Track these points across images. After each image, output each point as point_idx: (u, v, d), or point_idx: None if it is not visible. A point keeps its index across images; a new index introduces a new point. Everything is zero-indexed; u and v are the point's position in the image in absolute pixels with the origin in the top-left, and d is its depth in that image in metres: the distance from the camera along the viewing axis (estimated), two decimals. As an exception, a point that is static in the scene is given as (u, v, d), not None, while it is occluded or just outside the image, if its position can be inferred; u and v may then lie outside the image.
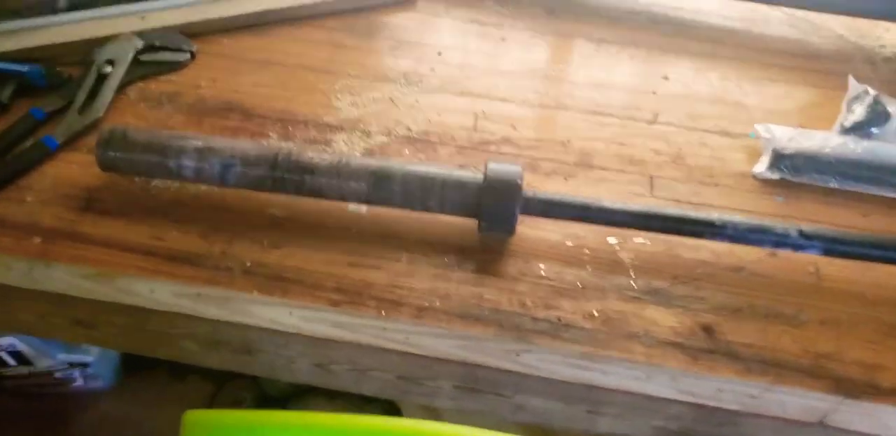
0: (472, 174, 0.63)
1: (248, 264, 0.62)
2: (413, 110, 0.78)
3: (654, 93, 0.82)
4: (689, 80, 0.84)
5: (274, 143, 0.72)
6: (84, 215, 0.64)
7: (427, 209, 0.64)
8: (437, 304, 0.60)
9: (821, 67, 0.91)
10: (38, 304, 0.62)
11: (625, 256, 0.65)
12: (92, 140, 0.68)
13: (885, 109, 0.78)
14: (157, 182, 0.67)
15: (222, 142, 0.63)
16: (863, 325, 0.62)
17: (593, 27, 0.90)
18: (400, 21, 0.89)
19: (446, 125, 0.77)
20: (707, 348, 0.59)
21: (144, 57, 0.74)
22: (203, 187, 0.66)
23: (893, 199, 0.72)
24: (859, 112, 0.80)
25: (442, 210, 0.64)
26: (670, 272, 0.64)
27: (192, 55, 0.77)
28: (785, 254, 0.65)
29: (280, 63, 0.81)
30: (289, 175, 0.62)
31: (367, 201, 0.64)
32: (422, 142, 0.75)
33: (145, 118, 0.72)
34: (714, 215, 0.63)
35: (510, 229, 0.63)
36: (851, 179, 0.73)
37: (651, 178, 0.73)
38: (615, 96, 0.82)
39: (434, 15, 0.90)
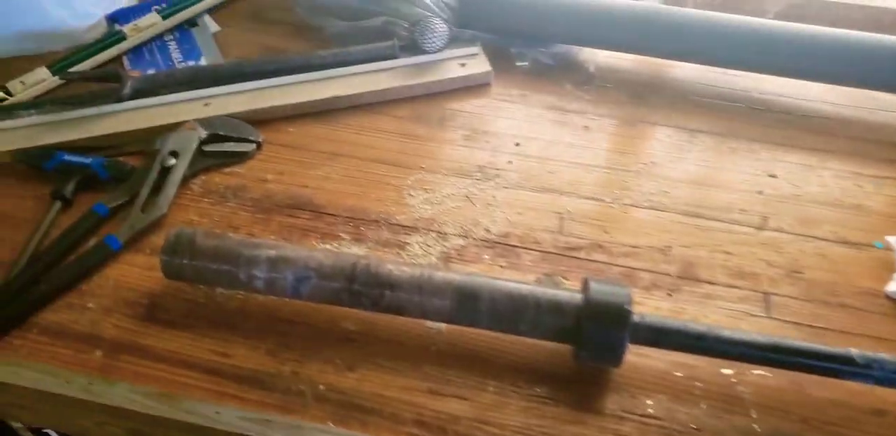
0: (570, 294, 0.56)
1: (322, 388, 0.55)
2: (491, 208, 0.71)
3: (760, 193, 0.72)
4: (799, 179, 0.74)
5: (346, 247, 0.65)
6: (147, 326, 0.58)
7: (517, 333, 0.57)
8: None
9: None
10: (95, 413, 0.56)
11: (743, 390, 0.57)
12: (156, 239, 0.63)
13: None
14: (222, 289, 0.60)
15: (296, 251, 0.57)
16: None
17: (686, 116, 0.80)
18: (473, 108, 0.83)
19: (528, 226, 0.69)
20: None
21: (209, 147, 0.69)
22: (272, 297, 0.60)
23: None
24: None
25: (534, 335, 0.57)
26: (798, 414, 0.55)
27: (258, 145, 0.71)
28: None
29: (349, 154, 0.75)
30: (367, 289, 0.56)
31: (450, 321, 0.57)
32: (502, 246, 0.68)
33: (209, 215, 0.67)
34: (854, 352, 0.53)
35: (616, 361, 0.55)
36: None
37: (765, 295, 0.63)
38: (717, 196, 0.72)
39: (509, 101, 0.84)
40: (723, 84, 0.85)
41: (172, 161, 0.66)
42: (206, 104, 0.73)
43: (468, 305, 0.56)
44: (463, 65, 0.82)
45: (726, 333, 0.55)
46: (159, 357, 0.56)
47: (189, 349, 0.56)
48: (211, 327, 0.58)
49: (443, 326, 0.60)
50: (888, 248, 0.67)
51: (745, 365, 0.57)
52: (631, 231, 0.69)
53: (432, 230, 0.69)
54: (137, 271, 0.62)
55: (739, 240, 0.68)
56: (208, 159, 0.69)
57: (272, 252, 0.56)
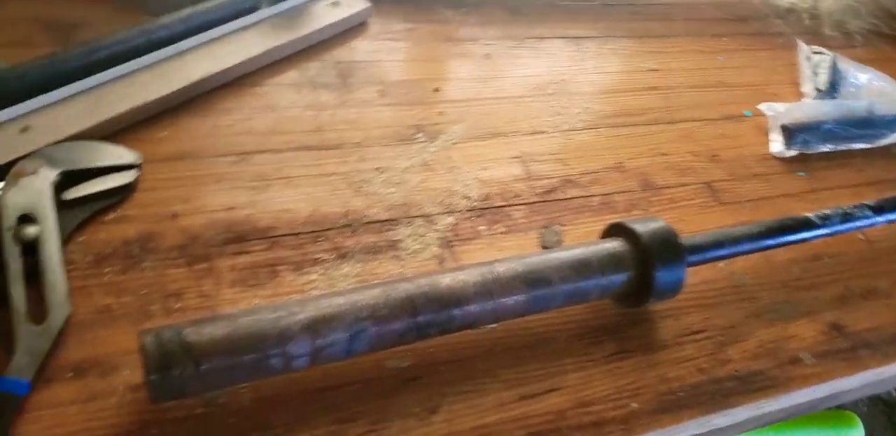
0: (614, 246, 0.49)
1: None
2: (456, 172, 0.59)
3: (653, 89, 0.75)
4: (673, 67, 0.78)
5: (335, 268, 0.49)
6: None
7: (587, 302, 0.48)
8: (635, 405, 0.47)
9: (752, 30, 0.92)
10: None
11: (741, 276, 0.59)
12: (71, 353, 0.39)
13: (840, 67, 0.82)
14: (220, 394, 0.40)
15: (328, 302, 0.39)
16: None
17: (563, 24, 0.79)
18: (366, 55, 0.66)
19: (501, 182, 0.60)
20: (848, 346, 0.55)
21: (70, 193, 0.44)
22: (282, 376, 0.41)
23: (869, 148, 0.75)
24: (824, 75, 0.82)
25: (602, 297, 0.49)
26: (779, 280, 0.59)
27: (138, 168, 0.48)
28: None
29: (257, 150, 0.55)
30: (434, 317, 0.42)
31: (524, 314, 0.46)
32: (490, 211, 0.57)
33: (128, 290, 0.43)
34: (810, 215, 0.58)
35: (677, 292, 0.51)
36: (841, 139, 0.75)
37: (707, 185, 0.66)
38: (628, 101, 0.72)
39: (398, 39, 0.69)
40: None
41: (32, 230, 0.41)
42: (23, 129, 0.46)
43: (542, 292, 0.45)
44: (336, 4, 0.63)
45: (736, 232, 0.54)
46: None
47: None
48: (236, 430, 0.38)
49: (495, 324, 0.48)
50: (757, 114, 0.76)
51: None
52: (584, 158, 0.65)
53: (413, 216, 0.54)
54: (76, 411, 0.38)
55: (663, 139, 0.69)
56: (77, 211, 0.44)
57: (302, 316, 0.38)
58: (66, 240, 0.44)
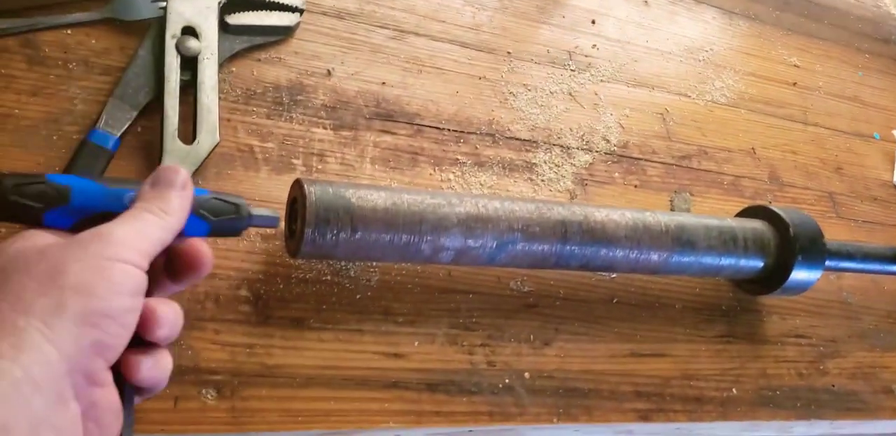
0: (763, 228, 0.48)
1: (528, 377, 0.39)
2: (599, 110, 0.56)
3: (794, 85, 0.72)
4: (816, 69, 0.75)
5: (471, 174, 0.46)
6: (267, 334, 0.34)
7: (718, 274, 0.47)
8: (734, 392, 0.47)
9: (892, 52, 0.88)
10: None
11: (847, 296, 0.57)
12: (209, 186, 0.35)
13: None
14: (351, 266, 0.37)
15: (487, 204, 0.36)
16: None
17: None
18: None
19: (641, 133, 0.57)
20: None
21: (233, 18, 0.40)
22: (411, 266, 0.39)
23: None
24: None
25: (734, 274, 0.47)
26: (886, 311, 0.58)
27: (301, 13, 0.43)
28: None
29: (417, 32, 0.51)
30: (581, 250, 0.39)
31: (657, 272, 0.43)
32: (626, 160, 0.54)
33: (274, 137, 0.40)
34: None
35: (802, 291, 0.49)
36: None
37: (830, 195, 0.65)
38: (768, 90, 0.69)
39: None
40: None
41: (195, 45, 0.36)
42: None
43: (685, 254, 0.43)
44: None
45: (873, 248, 0.52)
46: (307, 380, 0.33)
47: (345, 358, 0.34)
48: (361, 318, 0.36)
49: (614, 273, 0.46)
50: (885, 139, 0.73)
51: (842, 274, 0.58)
52: (720, 132, 0.63)
53: (553, 144, 0.51)
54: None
55: (796, 138, 0.67)
56: (236, 39, 0.40)
57: (461, 209, 0.35)
58: (220, 66, 0.39)
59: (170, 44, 0.36)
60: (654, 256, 0.42)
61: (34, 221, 0.24)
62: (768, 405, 0.47)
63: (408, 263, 0.39)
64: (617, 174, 0.53)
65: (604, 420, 0.40)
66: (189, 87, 0.37)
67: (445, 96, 0.49)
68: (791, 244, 0.46)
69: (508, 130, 0.50)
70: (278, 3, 0.42)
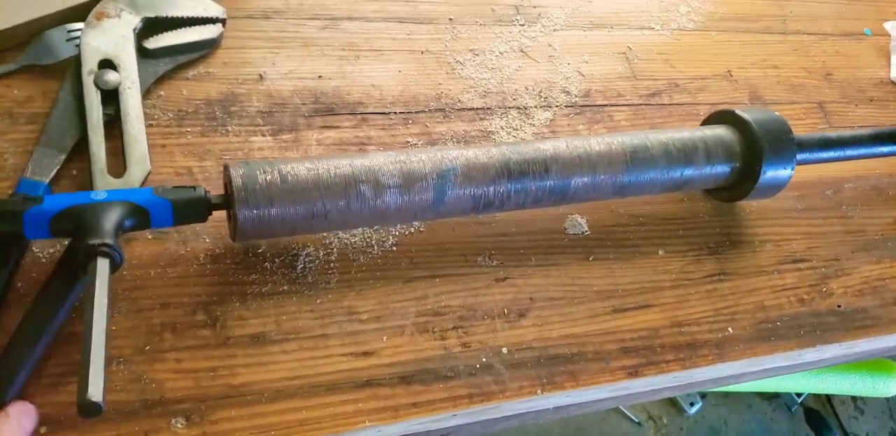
0: (726, 133, 0.42)
1: (506, 352, 0.36)
2: (555, 62, 0.50)
3: None
4: None
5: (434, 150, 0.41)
6: (225, 353, 0.32)
7: (687, 188, 0.42)
8: (731, 331, 0.42)
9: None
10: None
11: (840, 197, 0.51)
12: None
13: None
14: (308, 272, 0.35)
15: (420, 156, 0.34)
16: None
17: None
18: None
19: (603, 78, 0.50)
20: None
21: (151, 42, 0.36)
22: (371, 260, 0.36)
23: None
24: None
25: (703, 185, 0.43)
26: (893, 217, 0.51)
27: (223, 23, 0.39)
28: None
29: (349, 16, 0.46)
30: (531, 183, 0.36)
31: (621, 193, 0.39)
32: (590, 109, 0.48)
33: (209, 152, 0.37)
34: None
35: (778, 189, 0.44)
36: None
37: (820, 105, 0.56)
38: (741, 4, 0.60)
39: None
40: None
41: (114, 77, 0.33)
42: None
43: (645, 170, 0.39)
44: None
45: (848, 135, 0.46)
46: (275, 393, 0.31)
47: (312, 366, 0.32)
48: (324, 322, 0.34)
49: (584, 224, 0.42)
50: (878, 33, 0.63)
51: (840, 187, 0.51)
52: (691, 60, 0.55)
53: (509, 107, 0.46)
54: (157, 275, 0.33)
55: (776, 50, 0.58)
56: (158, 63, 0.37)
57: (390, 165, 0.33)
58: (146, 93, 0.36)
59: (87, 80, 0.33)
60: (612, 179, 0.37)
61: (16, 223, 0.26)
62: (769, 339, 0.42)
63: (354, 231, 0.36)
64: (581, 126, 0.48)
65: (592, 383, 0.37)
66: (116, 121, 0.34)
67: (388, 78, 0.44)
68: (756, 143, 0.40)
69: (459, 101, 0.45)
70: (196, 17, 0.38)
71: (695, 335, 0.40)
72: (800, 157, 0.43)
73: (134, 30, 0.34)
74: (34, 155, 0.32)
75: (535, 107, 0.47)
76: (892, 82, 0.60)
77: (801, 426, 1.19)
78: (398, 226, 0.38)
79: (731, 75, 0.55)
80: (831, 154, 0.45)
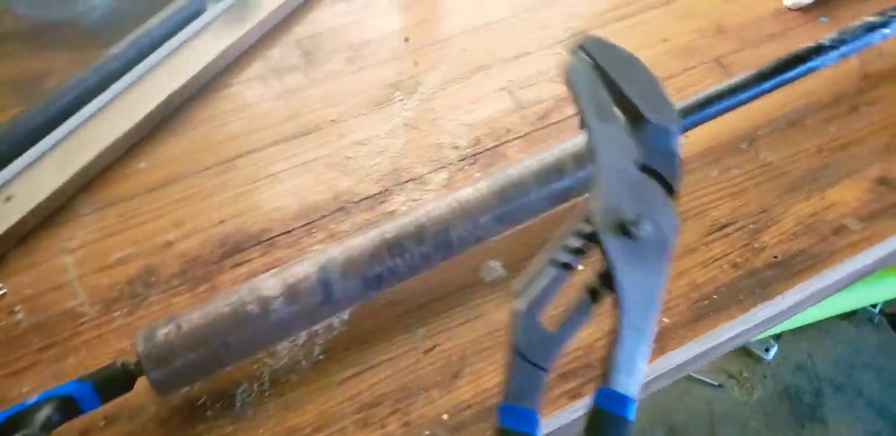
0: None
1: (446, 418, 0.36)
2: (440, 124, 0.49)
3: None
4: None
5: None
6: None
7: (569, 195, 0.40)
8: (666, 320, 0.39)
9: None
10: None
11: (768, 156, 0.46)
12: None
13: None
14: (248, 410, 0.36)
15: (302, 265, 0.36)
16: None
17: None
18: (325, 25, 0.57)
19: (490, 120, 0.49)
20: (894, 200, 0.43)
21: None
22: (300, 376, 0.37)
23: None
24: None
25: (586, 189, 0.40)
26: (815, 146, 0.47)
27: None
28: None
29: (241, 153, 0.49)
30: (412, 255, 0.36)
31: (508, 223, 0.39)
32: (483, 154, 0.48)
33: (139, 330, 0.40)
34: (821, 40, 0.45)
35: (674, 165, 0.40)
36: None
37: (717, 61, 0.52)
38: None
39: None
40: None
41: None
42: (6, 199, 0.43)
43: (517, 193, 0.39)
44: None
45: (725, 86, 0.43)
46: None
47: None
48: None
49: (500, 267, 0.41)
50: None
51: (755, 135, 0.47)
52: None
53: (404, 182, 0.46)
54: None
55: (662, 25, 0.55)
56: None
57: (273, 281, 0.34)
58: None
59: None
60: (490, 215, 0.37)
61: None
62: (707, 316, 0.37)
63: (280, 353, 0.37)
64: (478, 173, 0.47)
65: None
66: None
67: (285, 198, 0.46)
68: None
69: (356, 193, 0.46)
70: None
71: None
72: (684, 123, 0.41)
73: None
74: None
75: (430, 172, 0.47)
76: (788, 9, 0.55)
77: (890, 335, 1.05)
78: (322, 334, 0.39)
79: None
80: (718, 107, 0.42)
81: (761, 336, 1.06)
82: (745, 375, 1.09)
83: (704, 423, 1.03)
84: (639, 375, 0.25)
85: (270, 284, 0.34)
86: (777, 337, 1.11)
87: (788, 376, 1.08)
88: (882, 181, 0.44)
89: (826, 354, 1.11)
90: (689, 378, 1.09)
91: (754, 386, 1.08)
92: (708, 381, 1.08)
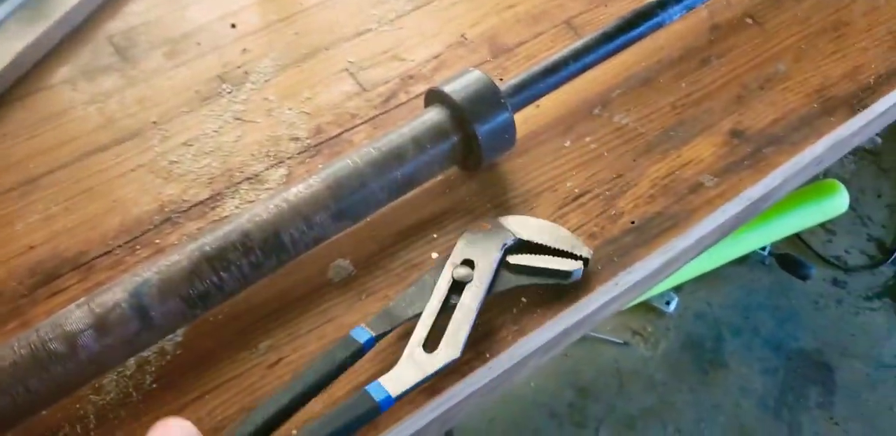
0: (434, 113, 0.38)
1: (295, 433, 0.31)
2: (275, 114, 0.45)
3: None
4: None
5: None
6: None
7: (416, 186, 0.38)
8: (524, 301, 0.37)
9: None
10: None
11: (622, 119, 0.45)
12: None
13: None
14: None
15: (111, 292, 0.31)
16: None
17: None
18: (140, 18, 0.51)
19: (331, 106, 0.45)
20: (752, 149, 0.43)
21: (513, 259, 0.36)
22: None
23: None
24: None
25: (437, 171, 0.39)
26: (669, 104, 0.45)
27: (586, 263, 0.38)
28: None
29: (49, 170, 0.43)
30: (238, 257, 0.32)
31: (348, 218, 0.36)
32: (326, 144, 0.44)
33: None
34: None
35: (512, 141, 0.40)
36: None
37: (568, 23, 0.50)
38: None
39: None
40: None
41: (465, 272, 0.35)
42: None
43: (352, 186, 0.36)
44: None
45: (568, 51, 0.41)
46: None
47: None
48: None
49: (349, 265, 0.38)
50: None
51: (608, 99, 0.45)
52: (420, 44, 0.49)
53: (238, 182, 0.42)
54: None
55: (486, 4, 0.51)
56: (514, 276, 0.36)
57: (79, 314, 0.30)
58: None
59: (447, 270, 0.34)
60: (326, 213, 0.34)
61: None
62: (567, 292, 0.36)
63: (106, 387, 0.33)
64: (321, 165, 0.44)
65: (395, 421, 0.32)
66: (453, 309, 0.34)
67: (103, 214, 0.40)
68: (460, 111, 0.36)
69: (184, 201, 0.41)
70: (562, 250, 0.35)
71: (491, 324, 0.35)
72: (516, 100, 0.39)
73: (504, 245, 0.35)
74: (379, 313, 0.33)
75: (267, 169, 0.43)
76: None
77: (781, 274, 1.12)
78: (153, 360, 0.35)
79: (465, 38, 0.49)
80: (553, 80, 0.39)
81: (661, 290, 1.09)
82: (649, 330, 1.12)
83: (613, 381, 1.06)
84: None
85: (76, 317, 0.30)
86: (678, 289, 1.15)
87: (690, 326, 1.12)
88: (734, 133, 0.43)
89: (723, 299, 1.15)
90: (595, 339, 1.10)
91: (658, 340, 1.11)
92: (614, 340, 1.10)
